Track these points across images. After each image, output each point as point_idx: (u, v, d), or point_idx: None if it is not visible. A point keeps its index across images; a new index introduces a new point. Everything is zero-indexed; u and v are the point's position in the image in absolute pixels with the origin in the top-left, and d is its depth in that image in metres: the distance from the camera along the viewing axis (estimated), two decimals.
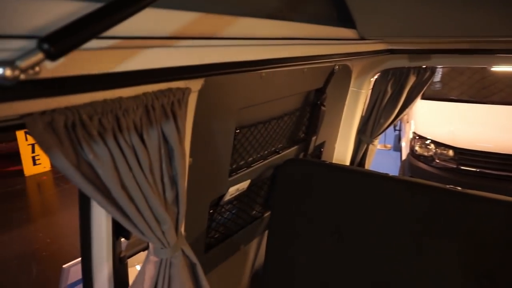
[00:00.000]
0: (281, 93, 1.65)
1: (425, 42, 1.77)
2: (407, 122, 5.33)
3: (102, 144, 0.74)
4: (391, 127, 8.12)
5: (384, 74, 2.28)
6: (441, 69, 5.40)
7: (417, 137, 4.60)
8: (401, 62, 2.07)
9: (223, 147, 1.39)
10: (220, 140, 1.36)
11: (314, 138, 1.99)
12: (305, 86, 1.80)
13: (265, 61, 1.04)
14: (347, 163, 2.48)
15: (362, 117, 2.42)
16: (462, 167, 4.17)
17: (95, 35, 0.49)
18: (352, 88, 2.25)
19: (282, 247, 1.79)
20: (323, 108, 1.92)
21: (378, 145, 7.90)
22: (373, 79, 2.31)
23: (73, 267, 2.07)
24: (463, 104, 4.83)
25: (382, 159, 7.13)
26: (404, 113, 2.31)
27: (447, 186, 1.43)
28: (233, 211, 1.70)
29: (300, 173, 1.77)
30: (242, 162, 1.59)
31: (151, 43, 0.70)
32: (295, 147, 1.92)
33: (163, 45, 0.73)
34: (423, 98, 5.13)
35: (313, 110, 1.94)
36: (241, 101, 1.39)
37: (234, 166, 1.54)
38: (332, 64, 1.85)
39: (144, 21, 0.67)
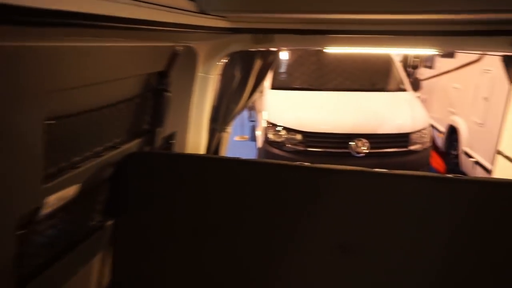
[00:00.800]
0: (112, 75, 1.36)
1: (268, 21, 1.74)
2: (260, 112, 5.59)
3: None
4: (247, 118, 8.41)
5: (232, 58, 2.21)
6: (286, 61, 5.84)
7: (270, 125, 4.85)
8: (246, 44, 2.02)
9: (30, 145, 1.04)
10: (23, 135, 1.01)
11: (160, 128, 1.77)
12: (142, 67, 1.56)
13: (79, 15, 0.77)
14: (202, 152, 2.34)
15: (213, 104, 2.31)
16: (309, 149, 4.57)
17: None
18: (200, 73, 2.10)
19: (135, 259, 1.52)
20: (167, 94, 1.71)
21: (236, 137, 8.11)
22: (220, 64, 2.22)
23: None
24: (306, 91, 5.31)
25: (241, 149, 7.37)
26: (253, 97, 2.29)
27: (297, 163, 1.41)
28: (60, 227, 1.35)
29: (147, 168, 1.53)
30: (64, 163, 1.25)
31: None
32: (138, 140, 1.66)
33: None
34: (273, 88, 5.44)
35: (156, 97, 1.71)
36: (52, 81, 1.06)
37: (52, 170, 1.19)
38: (173, 44, 1.65)
39: None
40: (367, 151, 4.45)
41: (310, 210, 1.35)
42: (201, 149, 2.34)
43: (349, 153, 4.49)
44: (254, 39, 1.96)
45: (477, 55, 5.17)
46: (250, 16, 1.60)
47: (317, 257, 1.34)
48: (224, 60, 2.22)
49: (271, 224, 1.39)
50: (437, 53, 1.80)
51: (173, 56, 1.68)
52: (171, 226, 1.48)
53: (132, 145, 1.62)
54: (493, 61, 4.73)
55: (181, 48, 1.70)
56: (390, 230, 1.28)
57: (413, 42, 1.85)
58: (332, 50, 2.05)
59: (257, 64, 2.17)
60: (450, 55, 6.23)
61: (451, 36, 1.75)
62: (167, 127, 1.87)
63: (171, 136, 2.03)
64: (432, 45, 1.88)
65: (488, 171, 4.55)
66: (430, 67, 7.42)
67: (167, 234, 1.48)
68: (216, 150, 2.44)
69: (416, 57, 8.12)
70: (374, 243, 1.30)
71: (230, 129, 2.40)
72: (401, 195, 1.29)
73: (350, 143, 4.47)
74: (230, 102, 2.26)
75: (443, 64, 6.63)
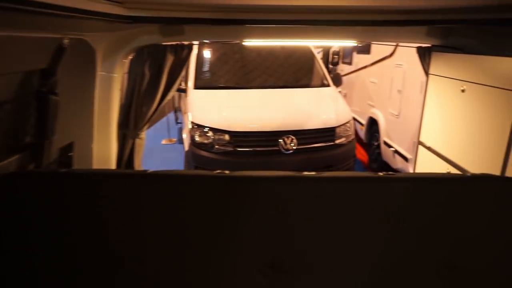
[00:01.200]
0: None
1: (175, 9, 1.52)
2: (185, 113, 5.31)
3: None
4: (173, 120, 7.97)
5: (139, 54, 1.94)
6: (209, 60, 5.61)
7: (196, 126, 4.60)
8: (153, 37, 1.77)
9: None
10: None
11: (49, 140, 1.45)
12: (17, 64, 1.24)
13: None
14: (113, 165, 2.03)
15: (121, 107, 2.01)
16: (238, 149, 4.41)
17: None
18: (100, 72, 1.80)
19: None
20: (53, 97, 1.40)
21: (164, 140, 7.64)
22: (126, 61, 1.93)
23: None
24: (231, 90, 5.14)
25: (169, 153, 7.00)
26: (167, 97, 2.04)
27: (216, 171, 1.22)
28: None
29: (26, 191, 1.21)
30: None
31: None
32: (16, 156, 1.33)
33: None
34: (196, 88, 5.19)
35: (39, 101, 1.39)
36: None
37: None
38: (58, 35, 1.35)
39: None
40: (295, 147, 4.43)
41: (232, 225, 1.16)
42: (111, 160, 2.03)
43: (278, 150, 4.43)
44: (162, 30, 1.72)
45: (390, 51, 5.47)
46: (151, 2, 1.37)
47: (244, 279, 1.16)
48: (130, 57, 1.94)
49: (187, 244, 1.18)
50: (355, 44, 1.81)
51: (60, 50, 1.37)
52: (64, 261, 1.19)
53: (8, 164, 1.28)
54: (403, 56, 5.03)
55: (70, 40, 1.40)
56: (324, 239, 1.15)
57: (332, 33, 1.77)
58: (251, 42, 1.88)
59: (169, 60, 1.93)
60: (366, 51, 6.54)
61: (369, 26, 1.70)
62: (60, 137, 1.55)
63: (69, 148, 1.70)
64: (350, 36, 1.83)
65: (406, 159, 4.83)
66: (349, 63, 7.75)
67: (60, 272, 1.18)
68: (130, 160, 2.14)
69: (336, 54, 8.44)
70: (308, 256, 1.15)
71: (144, 134, 2.12)
72: (331, 199, 1.16)
73: (279, 140, 4.41)
74: (141, 104, 1.99)
75: (360, 60, 6.96)
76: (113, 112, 1.92)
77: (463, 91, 1.77)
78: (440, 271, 1.14)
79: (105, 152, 1.98)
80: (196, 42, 2.10)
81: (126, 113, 2.01)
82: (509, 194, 1.13)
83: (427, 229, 1.15)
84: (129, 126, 2.03)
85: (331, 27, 1.69)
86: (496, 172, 1.54)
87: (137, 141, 2.08)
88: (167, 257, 1.16)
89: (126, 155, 2.08)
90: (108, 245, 1.17)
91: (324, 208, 1.16)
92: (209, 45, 5.67)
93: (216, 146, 4.47)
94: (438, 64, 1.99)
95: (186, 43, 1.91)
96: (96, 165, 1.95)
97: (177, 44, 1.91)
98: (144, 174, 1.22)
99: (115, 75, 1.84)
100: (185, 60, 1.98)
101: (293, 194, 1.17)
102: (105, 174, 1.29)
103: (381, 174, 1.18)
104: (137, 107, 1.99)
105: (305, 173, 1.20)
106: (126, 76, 1.99)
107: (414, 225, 1.16)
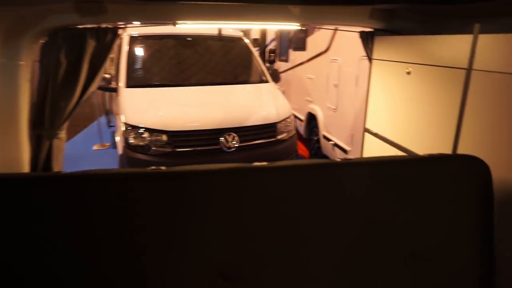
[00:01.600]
0: None
1: None
2: (118, 115, 4.91)
3: None
4: (105, 124, 7.39)
5: (53, 39, 1.64)
6: (140, 56, 5.26)
7: (130, 128, 4.26)
8: (68, 17, 1.50)
9: None
10: None
11: None
12: None
13: None
14: (26, 169, 1.71)
15: (33, 102, 1.70)
16: (177, 149, 4.17)
17: None
18: (0, 59, 1.48)
19: None
20: None
21: (95, 146, 7.04)
22: (36, 46, 1.63)
23: None
24: (166, 88, 4.86)
25: (102, 159, 6.48)
26: (90, 90, 1.76)
27: (150, 168, 1.01)
28: None
29: None
30: None
31: None
32: None
33: None
34: (128, 86, 4.83)
35: None
36: None
37: None
38: None
39: None
40: (237, 145, 4.30)
41: (172, 229, 0.97)
42: (23, 165, 1.71)
43: (220, 149, 4.26)
44: (78, 8, 1.46)
45: (325, 46, 5.57)
46: None
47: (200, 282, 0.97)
48: (42, 41, 1.64)
49: (116, 255, 0.96)
50: (298, 27, 1.76)
51: None
52: None
53: None
54: (338, 51, 5.16)
55: None
56: (281, 237, 1.01)
57: (270, 13, 1.64)
58: (185, 25, 1.69)
59: (90, 46, 1.66)
60: (302, 48, 6.63)
61: (309, 5, 1.60)
62: None
63: None
64: (289, 18, 1.71)
65: (345, 151, 4.94)
66: (285, 61, 7.82)
67: None
68: (48, 164, 1.83)
69: (272, 51, 8.52)
70: (265, 259, 1.00)
71: (63, 134, 1.81)
72: (287, 190, 1.02)
73: (220, 138, 4.25)
74: (58, 99, 1.69)
75: (296, 56, 7.05)
76: (21, 108, 1.61)
77: (408, 73, 1.76)
78: (406, 259, 1.06)
79: (13, 156, 1.65)
80: (127, 32, 1.85)
81: (39, 110, 1.70)
82: (468, 172, 1.09)
83: (390, 215, 1.07)
84: (44, 125, 1.72)
85: (268, 5, 1.57)
86: (447, 152, 1.53)
87: (55, 142, 1.77)
88: (105, 270, 0.94)
89: (42, 159, 1.76)
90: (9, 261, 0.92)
91: (280, 201, 1.01)
92: (141, 41, 5.32)
93: (153, 148, 4.18)
94: (382, 48, 1.98)
95: (110, 25, 1.66)
96: (3, 171, 1.62)
97: (99, 27, 1.65)
98: (57, 176, 0.98)
99: (21, 63, 1.53)
100: (109, 46, 1.72)
101: (243, 189, 1.01)
102: (5, 178, 1.02)
103: (338, 160, 1.07)
104: (53, 102, 1.69)
105: (256, 163, 1.05)
106: (37, 65, 1.68)
107: (376, 212, 1.07)
